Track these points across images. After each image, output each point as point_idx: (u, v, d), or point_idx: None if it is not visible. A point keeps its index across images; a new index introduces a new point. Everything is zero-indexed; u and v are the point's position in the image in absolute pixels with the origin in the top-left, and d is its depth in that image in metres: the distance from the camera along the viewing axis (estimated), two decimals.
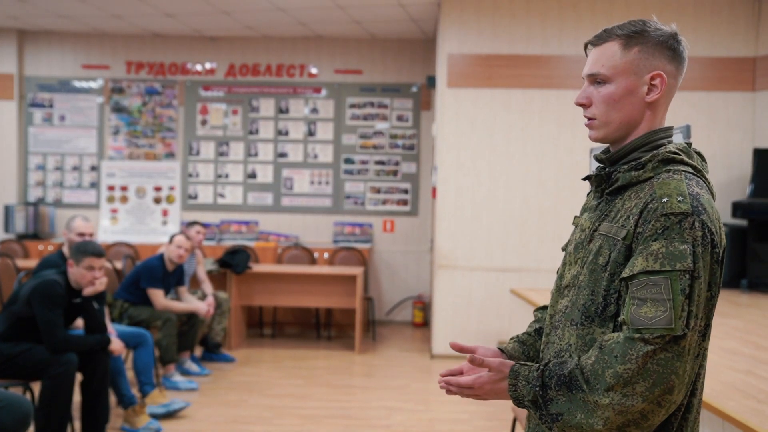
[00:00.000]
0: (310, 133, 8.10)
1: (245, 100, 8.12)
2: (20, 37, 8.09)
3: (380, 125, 8.04)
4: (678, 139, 1.73)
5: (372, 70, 8.08)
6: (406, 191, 8.08)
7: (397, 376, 5.84)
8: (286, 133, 8.10)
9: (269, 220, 8.10)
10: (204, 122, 8.15)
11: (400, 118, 8.07)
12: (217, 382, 5.48)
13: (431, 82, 7.49)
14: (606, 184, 1.41)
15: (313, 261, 7.55)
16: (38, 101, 8.16)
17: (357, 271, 6.67)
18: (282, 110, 8.11)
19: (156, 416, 4.45)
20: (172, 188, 8.17)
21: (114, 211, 8.13)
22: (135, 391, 4.60)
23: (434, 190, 6.77)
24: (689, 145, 1.41)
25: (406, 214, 8.09)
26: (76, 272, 3.75)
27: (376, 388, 5.49)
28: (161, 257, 5.44)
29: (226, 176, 8.16)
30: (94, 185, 8.20)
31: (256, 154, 8.13)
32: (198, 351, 6.12)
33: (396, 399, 5.13)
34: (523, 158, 6.34)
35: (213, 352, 6.11)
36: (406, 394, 5.27)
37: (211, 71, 8.13)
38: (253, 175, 8.14)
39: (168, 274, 5.44)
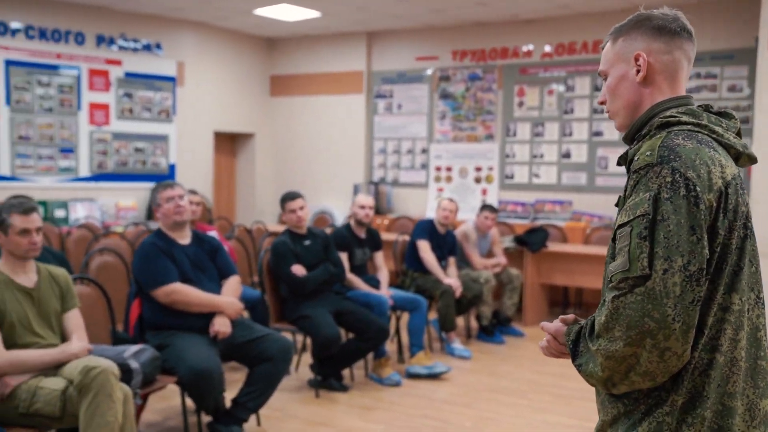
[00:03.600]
0: None
1: (561, 79, 8.11)
2: (369, 38, 9.30)
3: (707, 96, 7.30)
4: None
5: (701, 37, 7.31)
6: None
7: None
8: (602, 111, 7.87)
9: (583, 200, 7.99)
10: (521, 104, 8.37)
11: (732, 89, 7.22)
12: (495, 354, 5.75)
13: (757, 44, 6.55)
14: (626, 163, 1.50)
15: None
16: (381, 93, 9.29)
17: None
18: (598, 88, 7.90)
19: (417, 376, 4.93)
20: (490, 168, 8.59)
21: (440, 190, 8.88)
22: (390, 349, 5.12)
23: (750, 168, 5.97)
24: (705, 107, 1.45)
25: None
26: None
27: None
28: (431, 220, 5.94)
29: (541, 156, 8.27)
30: (424, 166, 9.05)
31: (570, 134, 8.08)
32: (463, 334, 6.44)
33: None
34: None
35: (503, 325, 6.37)
36: None
37: (528, 53, 8.29)
38: (567, 155, 8.11)
39: (439, 236, 5.87)
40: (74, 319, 3.09)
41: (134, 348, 3.31)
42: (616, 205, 1.38)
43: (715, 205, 1.29)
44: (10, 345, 2.87)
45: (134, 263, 3.75)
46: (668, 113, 1.41)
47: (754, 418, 1.33)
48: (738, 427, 1.31)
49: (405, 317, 5.64)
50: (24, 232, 2.95)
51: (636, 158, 1.35)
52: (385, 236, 6.93)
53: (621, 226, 1.32)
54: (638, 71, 1.45)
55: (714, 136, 1.39)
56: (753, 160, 1.43)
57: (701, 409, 1.30)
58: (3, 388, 2.82)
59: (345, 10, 8.07)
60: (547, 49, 8.16)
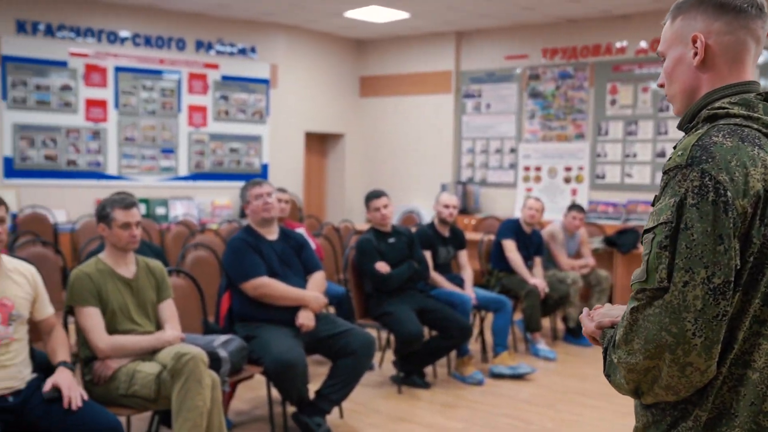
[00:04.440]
0: None
1: (657, 76, 7.85)
2: (457, 38, 9.30)
3: None
4: None
5: None
6: None
7: None
8: None
9: None
10: (613, 102, 8.17)
11: None
12: (581, 356, 5.65)
13: None
14: None
15: None
16: (470, 92, 9.28)
17: None
18: None
19: (500, 375, 4.92)
20: (581, 168, 8.42)
21: (528, 190, 8.77)
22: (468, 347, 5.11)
23: None
24: (767, 94, 1.29)
25: None
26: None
27: None
28: (517, 219, 5.91)
29: (634, 156, 8.04)
30: (513, 166, 8.97)
31: (665, 132, 7.81)
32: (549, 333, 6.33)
33: None
34: None
35: None
36: None
37: (622, 50, 8.07)
38: (662, 154, 7.85)
39: (525, 236, 5.80)
40: (168, 309, 3.28)
41: (223, 338, 3.47)
42: (652, 204, 1.27)
43: (750, 211, 1.17)
44: (111, 331, 3.09)
45: (225, 258, 3.93)
46: (718, 104, 1.29)
47: None
48: None
49: (489, 317, 5.63)
50: (125, 225, 3.17)
51: (669, 157, 1.25)
52: (471, 236, 6.93)
53: (646, 231, 1.23)
54: (695, 54, 1.32)
55: (766, 130, 1.24)
56: None
57: (728, 427, 1.21)
58: (106, 370, 3.03)
59: (434, 10, 8.11)
60: (643, 45, 7.92)
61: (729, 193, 1.16)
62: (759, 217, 1.18)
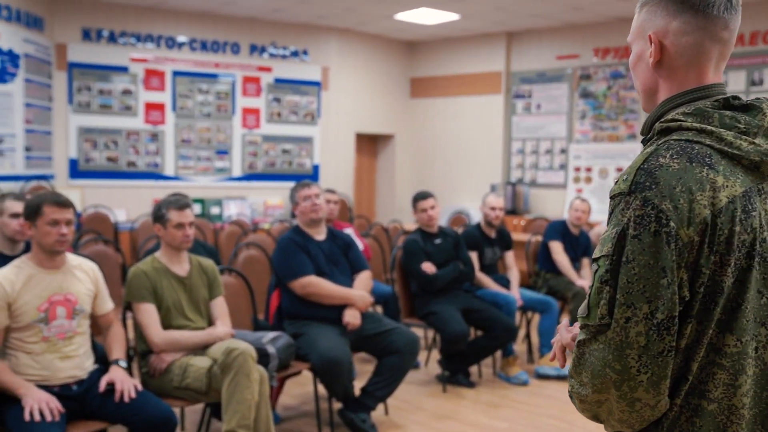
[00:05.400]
0: None
1: None
2: (508, 38, 9.29)
3: None
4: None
5: None
6: None
7: None
8: None
9: None
10: None
11: None
12: None
13: None
14: None
15: None
16: (520, 93, 9.26)
17: None
18: (755, 82, 7.43)
19: (546, 376, 4.94)
20: None
21: (579, 191, 8.70)
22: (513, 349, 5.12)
23: None
24: (726, 101, 1.19)
25: None
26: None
27: None
28: (564, 221, 5.88)
29: None
30: (563, 167, 8.91)
31: None
32: None
33: None
34: None
35: None
36: None
37: None
38: None
39: (573, 237, 5.78)
40: (219, 306, 3.43)
41: (272, 334, 3.60)
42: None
43: (697, 239, 1.10)
44: (165, 326, 3.25)
45: (274, 257, 4.06)
46: (671, 115, 1.20)
47: None
48: None
49: (536, 318, 5.64)
50: (179, 225, 3.33)
51: (616, 180, 1.17)
52: (519, 237, 6.93)
53: (594, 260, 1.17)
54: (651, 54, 1.24)
55: (720, 145, 1.15)
56: None
57: None
58: (161, 363, 3.19)
59: (484, 11, 8.13)
60: None
61: (672, 223, 1.09)
62: (708, 245, 1.11)
